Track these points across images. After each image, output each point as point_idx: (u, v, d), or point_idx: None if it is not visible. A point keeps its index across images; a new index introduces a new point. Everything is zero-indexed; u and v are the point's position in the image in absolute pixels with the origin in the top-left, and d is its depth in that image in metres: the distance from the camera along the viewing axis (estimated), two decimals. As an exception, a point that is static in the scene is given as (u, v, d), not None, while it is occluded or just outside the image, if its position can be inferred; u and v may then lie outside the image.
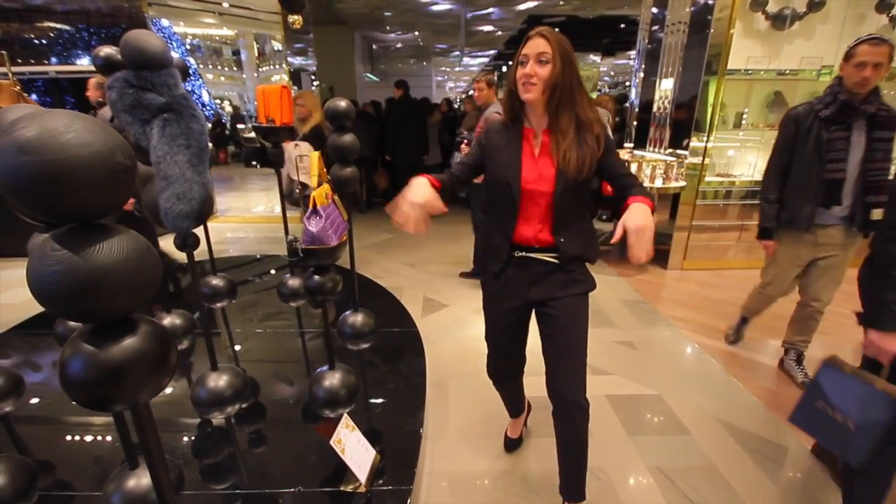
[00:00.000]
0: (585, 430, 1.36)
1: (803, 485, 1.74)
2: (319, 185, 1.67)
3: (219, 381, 1.86)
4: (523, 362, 1.64)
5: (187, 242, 1.61)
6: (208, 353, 1.83)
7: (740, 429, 2.00)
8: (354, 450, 1.44)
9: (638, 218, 1.09)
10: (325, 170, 1.68)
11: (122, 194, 0.63)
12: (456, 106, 6.94)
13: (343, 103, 2.05)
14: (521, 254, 1.38)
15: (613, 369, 2.44)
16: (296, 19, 2.58)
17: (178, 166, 1.41)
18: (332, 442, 1.36)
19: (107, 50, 1.84)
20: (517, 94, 1.26)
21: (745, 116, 3.87)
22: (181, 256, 1.65)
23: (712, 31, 3.50)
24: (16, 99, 2.00)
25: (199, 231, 2.08)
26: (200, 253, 3.47)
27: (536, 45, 1.20)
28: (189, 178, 1.43)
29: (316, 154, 1.58)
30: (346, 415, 1.48)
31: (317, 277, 1.67)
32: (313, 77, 6.76)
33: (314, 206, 1.50)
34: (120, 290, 0.63)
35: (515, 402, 1.81)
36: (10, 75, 2.23)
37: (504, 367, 1.63)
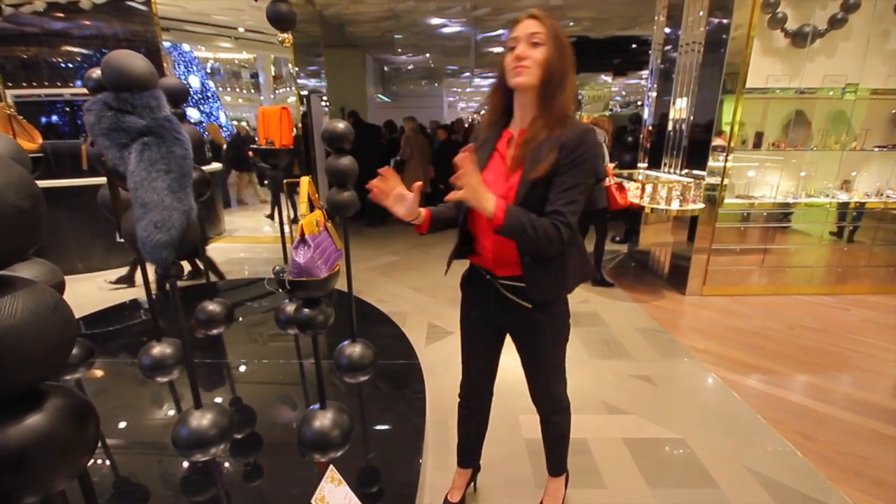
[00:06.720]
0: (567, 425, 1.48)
1: (851, 551, 1.53)
2: (312, 210, 1.57)
3: (202, 419, 1.74)
4: (495, 374, 1.49)
5: (169, 273, 1.50)
6: (191, 389, 1.71)
7: (774, 480, 1.79)
8: (340, 507, 1.29)
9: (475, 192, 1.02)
10: (316, 195, 1.57)
11: (24, 241, 0.51)
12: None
13: (341, 125, 1.96)
14: (486, 276, 1.29)
15: (631, 408, 2.25)
16: (285, 37, 2.55)
17: (157, 193, 1.31)
18: (313, 500, 1.21)
19: (98, 71, 1.78)
20: (506, 82, 1.14)
21: (763, 136, 3.72)
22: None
23: (728, 49, 3.38)
24: (7, 121, 1.95)
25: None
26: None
27: (527, 26, 1.09)
28: (168, 205, 1.33)
29: (306, 179, 1.47)
30: (331, 467, 1.33)
31: (306, 311, 1.55)
32: (323, 98, 6.78)
33: (302, 234, 1.39)
34: (16, 359, 0.50)
35: (477, 439, 1.59)
36: (3, 97, 2.20)
37: (479, 378, 1.47)
